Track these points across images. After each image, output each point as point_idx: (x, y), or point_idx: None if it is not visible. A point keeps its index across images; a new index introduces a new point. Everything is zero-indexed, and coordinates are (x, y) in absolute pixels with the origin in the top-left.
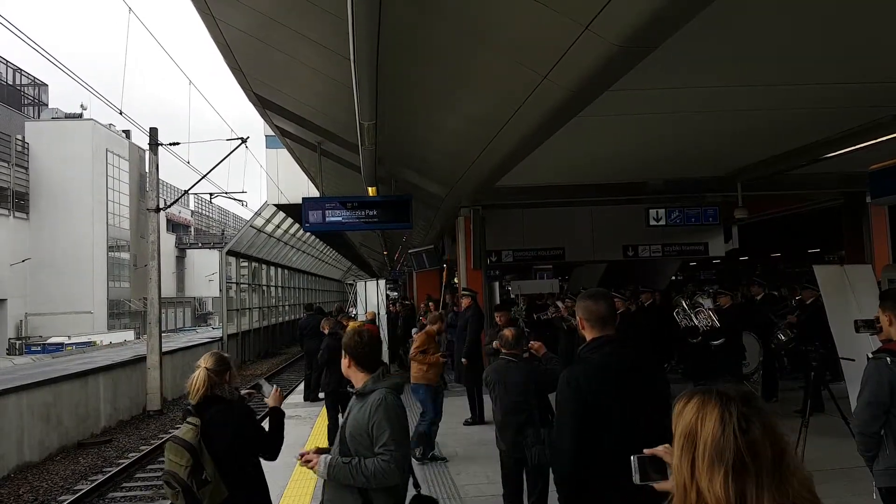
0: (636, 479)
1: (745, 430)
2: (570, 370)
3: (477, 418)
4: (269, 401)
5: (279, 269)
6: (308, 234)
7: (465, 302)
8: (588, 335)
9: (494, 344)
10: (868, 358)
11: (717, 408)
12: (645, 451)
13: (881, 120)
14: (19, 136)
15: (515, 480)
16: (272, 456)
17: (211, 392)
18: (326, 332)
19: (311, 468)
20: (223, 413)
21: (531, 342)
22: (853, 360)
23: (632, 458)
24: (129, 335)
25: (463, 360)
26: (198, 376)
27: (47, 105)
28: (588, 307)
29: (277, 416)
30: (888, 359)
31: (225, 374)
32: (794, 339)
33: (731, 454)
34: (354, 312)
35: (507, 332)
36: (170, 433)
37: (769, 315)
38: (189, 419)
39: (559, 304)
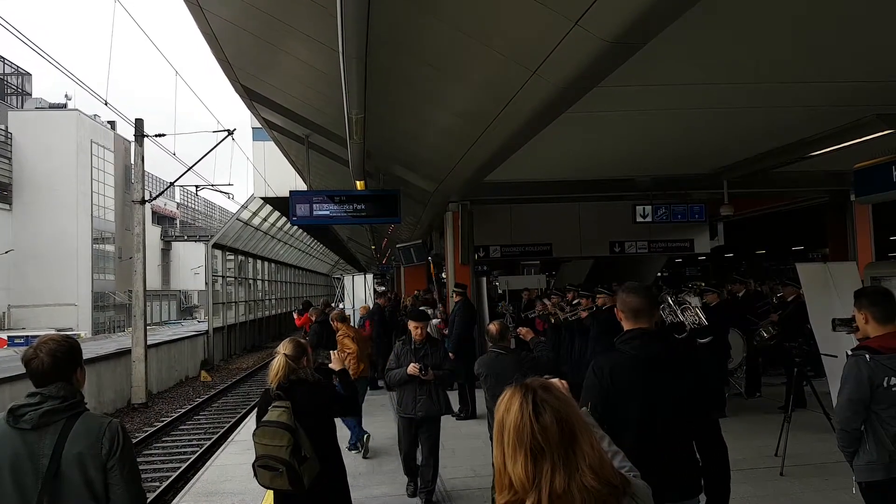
0: None
1: (539, 415)
2: (598, 358)
3: (469, 412)
4: (333, 365)
5: (266, 263)
6: (295, 227)
7: (455, 299)
8: (624, 326)
9: (410, 368)
10: (847, 355)
11: (519, 397)
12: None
13: (865, 119)
14: (2, 126)
15: None
16: (355, 412)
17: (295, 375)
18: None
19: None
20: (310, 394)
21: (519, 328)
22: (835, 356)
23: None
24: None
25: (450, 354)
26: (278, 362)
27: (31, 95)
28: (622, 299)
29: (343, 376)
30: (867, 355)
31: (302, 358)
32: (776, 336)
33: (528, 438)
34: (342, 306)
35: (492, 326)
36: (155, 426)
37: (750, 313)
38: (278, 403)
39: (546, 301)
